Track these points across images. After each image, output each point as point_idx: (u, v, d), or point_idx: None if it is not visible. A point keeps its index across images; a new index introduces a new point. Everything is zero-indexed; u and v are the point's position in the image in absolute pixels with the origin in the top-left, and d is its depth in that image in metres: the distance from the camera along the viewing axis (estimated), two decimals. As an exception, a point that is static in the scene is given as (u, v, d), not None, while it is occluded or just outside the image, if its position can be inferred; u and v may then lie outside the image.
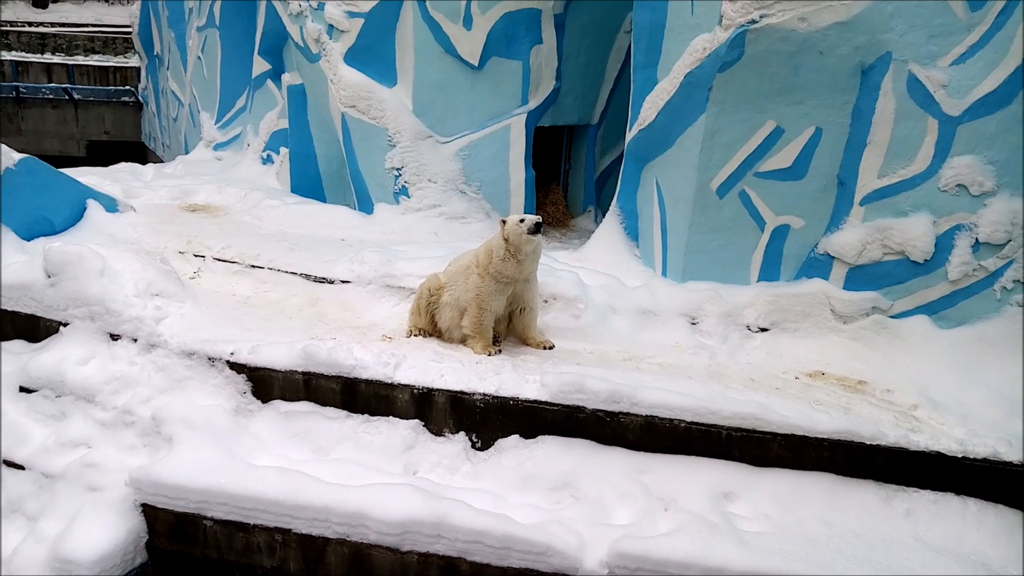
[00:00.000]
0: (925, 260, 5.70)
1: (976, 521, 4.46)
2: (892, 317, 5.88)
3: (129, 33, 20.68)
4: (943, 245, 5.68)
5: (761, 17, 5.59)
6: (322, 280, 6.69)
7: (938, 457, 4.61)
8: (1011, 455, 4.57)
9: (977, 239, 5.60)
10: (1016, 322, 5.59)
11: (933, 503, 4.55)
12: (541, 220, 5.35)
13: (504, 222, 5.44)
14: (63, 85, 20.78)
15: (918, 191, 5.68)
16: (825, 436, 4.68)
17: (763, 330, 6.00)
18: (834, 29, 5.56)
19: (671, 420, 4.80)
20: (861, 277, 5.92)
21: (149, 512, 4.63)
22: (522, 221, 5.34)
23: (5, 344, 5.93)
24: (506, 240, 5.38)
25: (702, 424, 4.78)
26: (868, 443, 4.65)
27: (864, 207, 5.85)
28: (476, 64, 8.69)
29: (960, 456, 4.61)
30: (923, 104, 5.55)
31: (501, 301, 5.59)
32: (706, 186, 6.19)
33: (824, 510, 4.49)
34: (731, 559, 4.01)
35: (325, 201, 9.66)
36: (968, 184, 5.54)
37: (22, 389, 5.50)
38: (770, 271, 6.29)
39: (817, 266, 6.10)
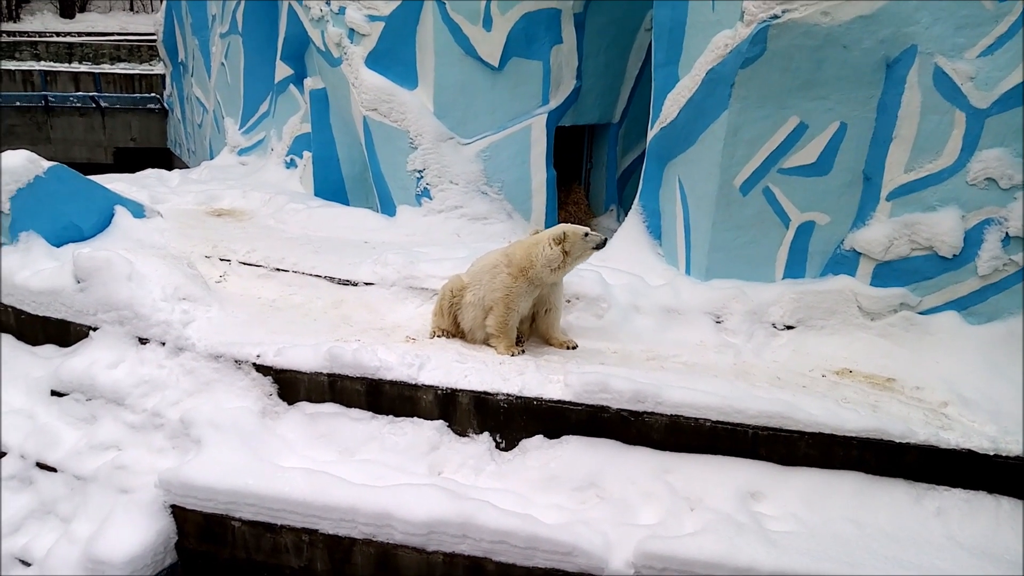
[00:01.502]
0: (954, 255, 5.62)
1: (1010, 520, 4.38)
2: (920, 313, 5.80)
3: (154, 41, 20.94)
4: (972, 240, 5.59)
5: (783, 12, 5.53)
6: (346, 282, 6.74)
7: (969, 455, 4.54)
8: (1045, 453, 4.49)
9: (1007, 233, 5.51)
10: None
11: (965, 502, 4.48)
12: (607, 238, 5.46)
13: (566, 235, 5.36)
14: (90, 93, 21.10)
15: (946, 185, 5.60)
16: (853, 434, 4.62)
17: (789, 328, 5.95)
18: (858, 23, 5.50)
19: (696, 419, 4.76)
20: (888, 273, 5.85)
21: (178, 513, 4.69)
22: (587, 236, 5.36)
23: (37, 348, 6.04)
24: (566, 253, 5.36)
25: (728, 423, 4.74)
26: (897, 441, 4.59)
27: (891, 202, 5.77)
28: (496, 65, 8.69)
29: (992, 454, 4.53)
30: (950, 97, 5.47)
31: (528, 302, 5.58)
32: (729, 183, 6.14)
33: (853, 509, 4.44)
34: (759, 559, 3.97)
35: (348, 204, 9.71)
36: (997, 177, 5.45)
37: (53, 393, 5.60)
38: (795, 268, 6.22)
39: (843, 263, 6.03)
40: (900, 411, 4.89)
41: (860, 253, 5.92)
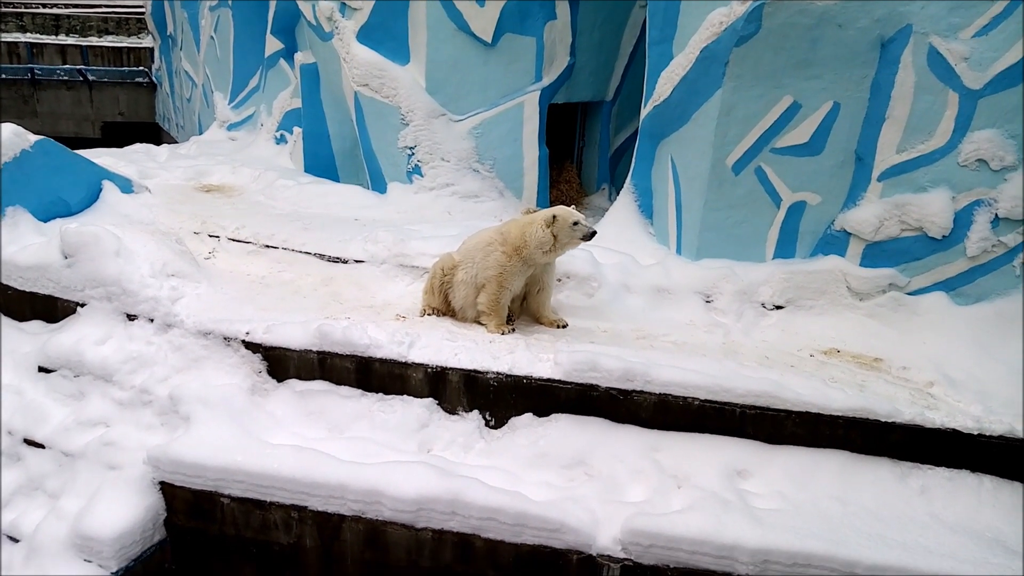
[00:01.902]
0: (943, 236, 5.63)
1: (991, 498, 4.44)
2: (909, 294, 5.82)
3: (142, 13, 20.67)
4: (962, 221, 5.60)
5: (778, -10, 5.49)
6: (336, 260, 6.71)
7: (954, 434, 4.58)
8: (1029, 432, 4.53)
9: (996, 214, 5.52)
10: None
11: (948, 480, 4.53)
12: (596, 231, 5.36)
13: (556, 217, 5.30)
14: (77, 66, 20.85)
15: (937, 166, 5.60)
16: (840, 413, 4.66)
17: (778, 307, 5.96)
18: (853, 2, 5.46)
19: (685, 398, 4.79)
20: (878, 254, 5.86)
21: (167, 490, 4.69)
22: (576, 224, 5.29)
23: (24, 324, 6.01)
24: (554, 236, 5.33)
25: (716, 402, 4.76)
26: (883, 420, 4.62)
27: (882, 183, 5.77)
28: (489, 41, 8.61)
29: (976, 433, 4.57)
30: (944, 77, 5.45)
31: (521, 281, 5.57)
32: (721, 162, 6.13)
33: (838, 487, 4.48)
34: (744, 536, 4.01)
35: (338, 180, 9.66)
36: (988, 159, 5.45)
37: (41, 369, 5.57)
38: (786, 248, 6.23)
39: (833, 243, 6.04)
40: (887, 391, 4.93)
41: (850, 233, 5.93)
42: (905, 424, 4.61)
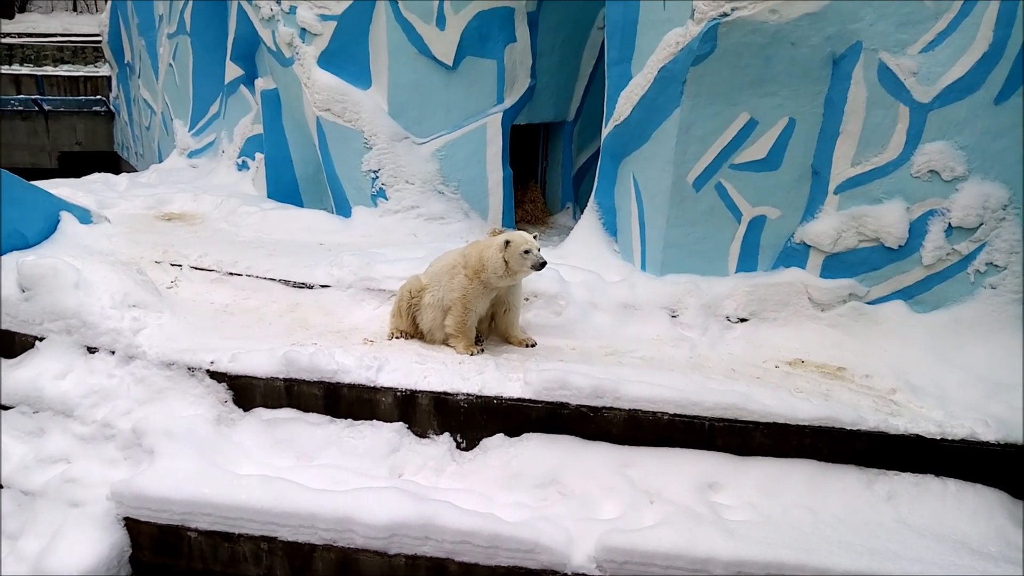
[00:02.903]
0: (899, 246, 5.77)
1: (956, 501, 4.52)
2: (869, 303, 5.94)
3: (98, 42, 20.42)
4: (917, 231, 5.75)
5: (732, 10, 5.62)
6: (301, 285, 6.65)
7: (917, 440, 4.67)
8: (988, 435, 4.64)
9: (950, 224, 5.67)
10: (991, 304, 5.66)
11: (914, 485, 4.61)
12: (546, 262, 5.35)
13: (508, 243, 5.30)
14: (32, 96, 20.49)
15: (891, 178, 5.74)
16: (806, 423, 4.72)
17: (742, 320, 6.04)
18: (805, 20, 5.61)
19: (654, 413, 4.82)
20: (837, 265, 5.98)
21: (132, 525, 4.58)
22: (527, 252, 5.27)
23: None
24: (506, 262, 5.33)
25: (685, 416, 4.80)
26: (849, 428, 4.70)
27: (838, 195, 5.90)
28: (451, 64, 8.67)
29: (939, 438, 4.66)
30: (894, 92, 5.61)
31: (486, 302, 5.59)
32: (682, 179, 6.22)
33: (807, 496, 4.53)
34: (717, 549, 4.03)
35: (302, 206, 9.59)
36: (940, 170, 5.60)
37: (-1, 406, 5.43)
38: (748, 262, 6.33)
39: (794, 255, 6.15)
40: (851, 399, 5.01)
41: (810, 246, 6.04)
42: (870, 431, 4.69)
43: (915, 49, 5.52)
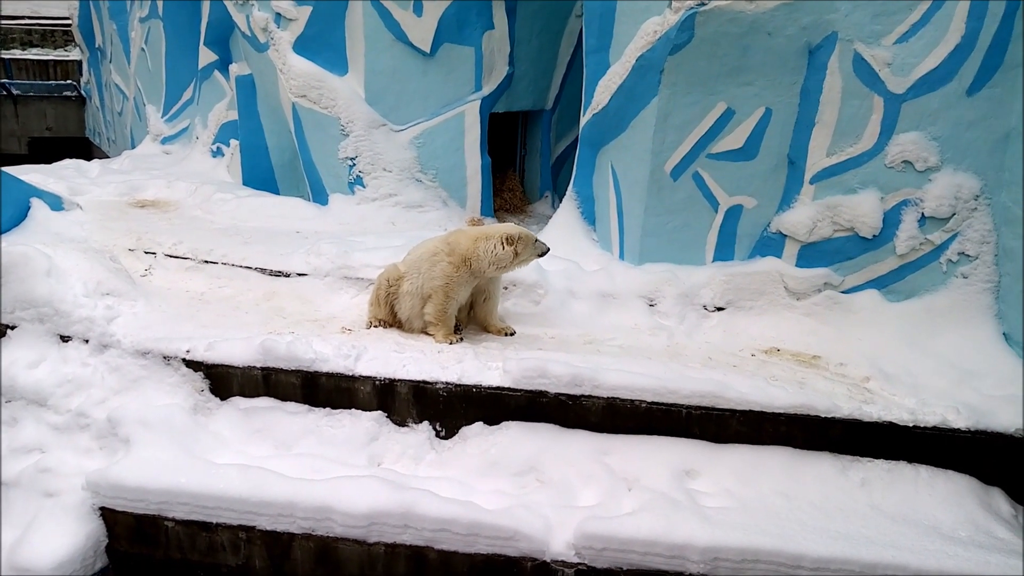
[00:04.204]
0: (874, 236, 5.84)
1: (928, 487, 4.61)
2: (843, 292, 6.02)
3: (68, 25, 20.03)
4: (891, 220, 5.82)
5: (709, -1, 5.64)
6: (278, 273, 6.60)
7: (890, 427, 4.74)
8: (959, 422, 4.72)
9: (923, 213, 5.75)
10: (963, 293, 5.75)
11: (887, 472, 4.69)
12: (549, 248, 5.61)
13: (520, 238, 5.41)
14: (1, 80, 20.06)
15: (866, 168, 5.81)
16: (782, 411, 4.78)
17: (719, 309, 6.10)
18: (781, 10, 5.64)
19: (632, 401, 4.85)
20: (813, 254, 6.04)
21: (108, 515, 4.54)
22: (536, 242, 5.49)
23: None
24: (516, 254, 5.38)
25: (663, 403, 4.84)
26: (823, 416, 4.76)
27: (814, 185, 5.96)
28: (428, 51, 8.61)
29: (911, 425, 4.74)
30: (868, 83, 5.66)
31: (467, 291, 5.58)
32: (660, 169, 6.24)
33: (783, 483, 4.59)
34: (694, 535, 4.08)
35: (278, 193, 9.50)
36: (913, 160, 5.67)
37: (-31, 396, 5.33)
38: (725, 251, 6.38)
39: (770, 245, 6.20)
40: (825, 387, 5.07)
41: (786, 235, 6.10)
42: (844, 419, 4.76)
43: (889, 40, 5.57)
